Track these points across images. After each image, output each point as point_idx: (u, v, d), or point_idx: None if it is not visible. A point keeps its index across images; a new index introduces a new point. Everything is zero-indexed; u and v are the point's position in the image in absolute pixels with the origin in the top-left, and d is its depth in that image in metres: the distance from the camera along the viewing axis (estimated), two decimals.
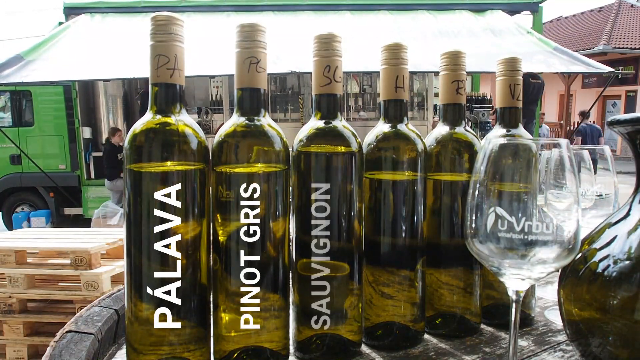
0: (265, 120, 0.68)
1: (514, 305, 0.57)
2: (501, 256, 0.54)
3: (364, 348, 0.76)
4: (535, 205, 0.54)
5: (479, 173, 0.56)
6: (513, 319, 0.57)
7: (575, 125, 7.66)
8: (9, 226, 7.16)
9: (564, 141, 0.56)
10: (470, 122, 7.86)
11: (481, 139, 0.85)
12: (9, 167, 7.15)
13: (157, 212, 0.62)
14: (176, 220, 0.63)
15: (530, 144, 0.56)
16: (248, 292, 0.66)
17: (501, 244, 0.54)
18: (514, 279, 0.55)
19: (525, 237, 0.53)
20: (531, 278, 0.55)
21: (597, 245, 0.62)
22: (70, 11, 6.67)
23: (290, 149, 0.70)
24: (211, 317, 0.68)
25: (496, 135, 0.86)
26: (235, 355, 0.67)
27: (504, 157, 0.55)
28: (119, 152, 6.32)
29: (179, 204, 0.63)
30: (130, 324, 0.64)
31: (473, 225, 0.55)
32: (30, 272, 2.44)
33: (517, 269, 0.54)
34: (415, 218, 0.76)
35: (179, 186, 0.63)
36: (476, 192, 0.55)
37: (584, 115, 7.71)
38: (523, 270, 0.54)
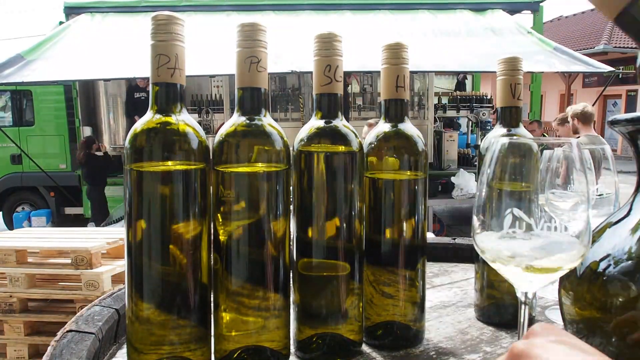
0: (266, 120, 0.68)
1: (522, 307, 0.56)
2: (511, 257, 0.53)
3: (365, 347, 0.76)
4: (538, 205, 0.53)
5: (488, 173, 0.55)
6: (522, 320, 0.56)
7: None
8: (10, 226, 7.17)
9: (574, 141, 0.56)
10: (470, 122, 7.87)
11: (481, 139, 0.85)
12: (10, 166, 7.16)
13: (158, 212, 0.62)
14: (177, 220, 0.63)
15: (531, 144, 0.56)
16: (249, 292, 0.67)
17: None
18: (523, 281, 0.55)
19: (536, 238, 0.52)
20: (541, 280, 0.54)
21: (597, 244, 0.62)
22: (71, 11, 6.66)
23: (291, 149, 0.71)
24: (212, 316, 0.68)
25: (496, 135, 0.86)
26: (235, 354, 0.67)
27: (511, 156, 0.54)
28: (97, 161, 6.19)
29: (179, 204, 0.63)
30: (131, 324, 0.64)
31: (482, 226, 0.54)
32: (30, 272, 2.44)
33: None
34: (416, 217, 0.76)
35: (179, 186, 0.63)
36: (483, 192, 0.55)
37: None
38: None
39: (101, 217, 6.27)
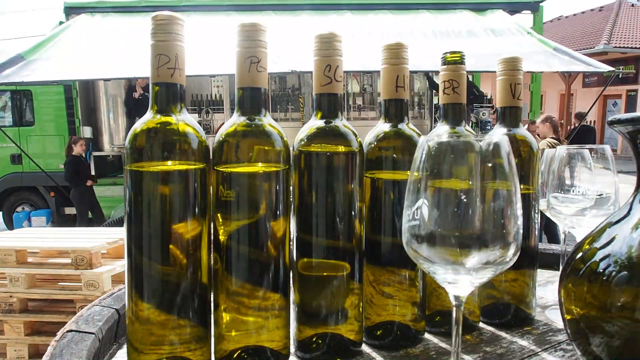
0: (266, 120, 0.68)
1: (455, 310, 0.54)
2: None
3: (365, 347, 0.76)
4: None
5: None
6: (454, 324, 0.54)
7: (575, 126, 7.65)
8: (10, 226, 7.17)
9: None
10: (470, 122, 7.86)
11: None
12: (10, 166, 7.16)
13: (158, 212, 0.62)
14: (177, 220, 0.63)
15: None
16: (249, 292, 0.67)
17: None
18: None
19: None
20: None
21: (597, 244, 0.62)
22: (71, 11, 6.66)
23: (291, 149, 0.71)
24: (212, 316, 0.68)
25: (500, 134, 0.86)
26: (235, 354, 0.67)
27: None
28: (81, 162, 6.19)
29: (179, 204, 0.63)
30: (131, 324, 0.64)
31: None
32: (30, 272, 2.44)
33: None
34: None
35: (179, 186, 0.63)
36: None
37: (581, 117, 7.58)
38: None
39: (85, 218, 6.26)
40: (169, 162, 0.62)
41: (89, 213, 6.33)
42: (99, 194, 6.58)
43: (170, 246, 0.63)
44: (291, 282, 0.72)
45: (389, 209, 0.75)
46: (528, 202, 0.85)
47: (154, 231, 0.62)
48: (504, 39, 6.00)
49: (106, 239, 2.58)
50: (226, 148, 0.67)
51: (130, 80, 6.74)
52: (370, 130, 0.78)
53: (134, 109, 6.81)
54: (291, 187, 0.71)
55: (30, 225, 6.98)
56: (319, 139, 0.71)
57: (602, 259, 0.59)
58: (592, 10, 19.61)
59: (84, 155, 6.32)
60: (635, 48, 15.34)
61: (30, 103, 7.10)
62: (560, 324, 0.83)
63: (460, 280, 0.51)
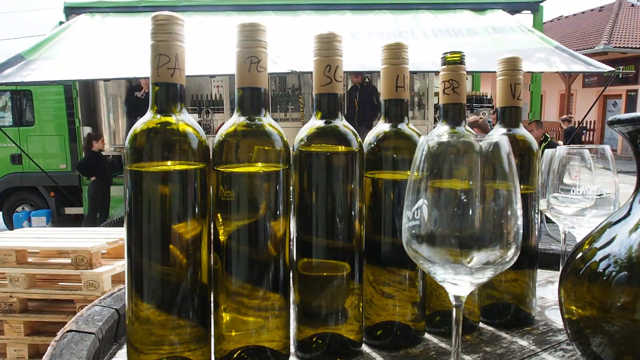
0: (266, 120, 0.68)
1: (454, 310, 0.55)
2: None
3: (365, 347, 0.76)
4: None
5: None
6: (454, 324, 0.55)
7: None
8: (10, 226, 7.17)
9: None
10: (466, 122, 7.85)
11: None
12: (10, 166, 7.17)
13: (158, 212, 0.62)
14: (177, 220, 0.63)
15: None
16: (249, 292, 0.67)
17: None
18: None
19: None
20: None
21: (597, 244, 0.62)
22: (71, 11, 6.66)
23: (291, 149, 0.71)
24: (212, 316, 0.68)
25: (500, 134, 0.86)
26: (235, 354, 0.67)
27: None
28: (97, 159, 6.26)
29: (179, 204, 0.63)
30: (131, 324, 0.64)
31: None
32: (30, 272, 2.44)
33: None
34: None
35: (179, 186, 0.63)
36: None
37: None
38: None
39: (92, 217, 6.30)
40: (169, 162, 0.62)
41: (97, 213, 6.35)
42: None
43: (170, 246, 0.63)
44: (291, 282, 0.72)
45: (389, 209, 0.75)
46: (528, 202, 0.85)
47: (154, 231, 0.62)
48: (504, 36, 6.00)
49: (106, 239, 2.58)
50: (226, 148, 0.67)
51: (131, 81, 6.74)
52: (370, 130, 0.78)
53: (134, 108, 6.83)
54: (291, 187, 0.71)
55: (30, 225, 6.98)
56: (319, 139, 0.71)
57: (602, 259, 0.59)
58: (592, 10, 19.61)
59: (103, 152, 6.38)
60: (635, 48, 15.34)
61: (30, 103, 7.10)
62: (560, 324, 0.83)
63: (460, 280, 0.51)
